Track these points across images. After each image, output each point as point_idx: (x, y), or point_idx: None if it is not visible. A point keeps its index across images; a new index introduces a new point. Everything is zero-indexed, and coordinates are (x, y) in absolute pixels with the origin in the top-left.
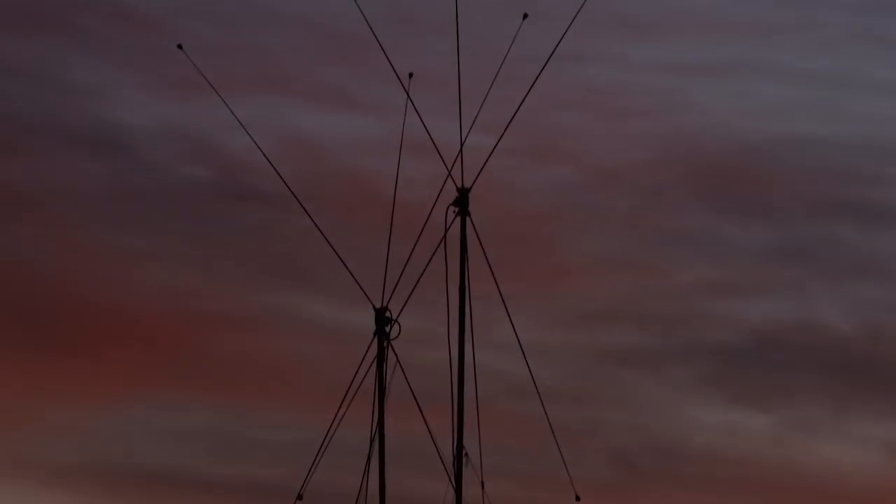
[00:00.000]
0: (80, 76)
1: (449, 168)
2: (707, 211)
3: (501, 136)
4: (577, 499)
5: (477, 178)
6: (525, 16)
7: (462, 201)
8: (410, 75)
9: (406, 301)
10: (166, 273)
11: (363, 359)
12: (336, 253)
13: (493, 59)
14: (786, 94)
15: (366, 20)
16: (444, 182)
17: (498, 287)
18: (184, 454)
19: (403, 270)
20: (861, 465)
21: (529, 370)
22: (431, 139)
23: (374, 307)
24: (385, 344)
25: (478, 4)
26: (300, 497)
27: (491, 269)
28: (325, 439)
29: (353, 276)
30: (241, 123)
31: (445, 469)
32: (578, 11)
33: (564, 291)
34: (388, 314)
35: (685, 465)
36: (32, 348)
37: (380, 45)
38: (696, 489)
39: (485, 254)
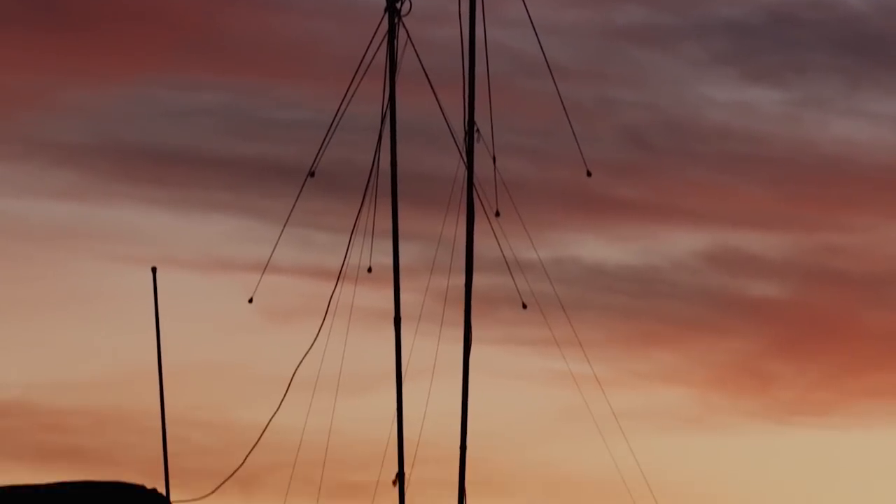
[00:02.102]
0: None
1: None
2: None
3: None
4: (589, 174)
5: None
6: None
7: None
8: None
9: None
10: None
11: (374, 35)
12: None
13: None
14: None
15: None
16: None
17: None
18: (196, 133)
19: None
20: (873, 142)
21: (541, 48)
22: None
23: None
24: (396, 20)
25: None
26: (312, 174)
27: None
28: (336, 116)
29: None
30: None
31: (457, 145)
32: None
33: None
34: None
35: (698, 142)
36: (43, 29)
37: None
38: (708, 167)
39: None
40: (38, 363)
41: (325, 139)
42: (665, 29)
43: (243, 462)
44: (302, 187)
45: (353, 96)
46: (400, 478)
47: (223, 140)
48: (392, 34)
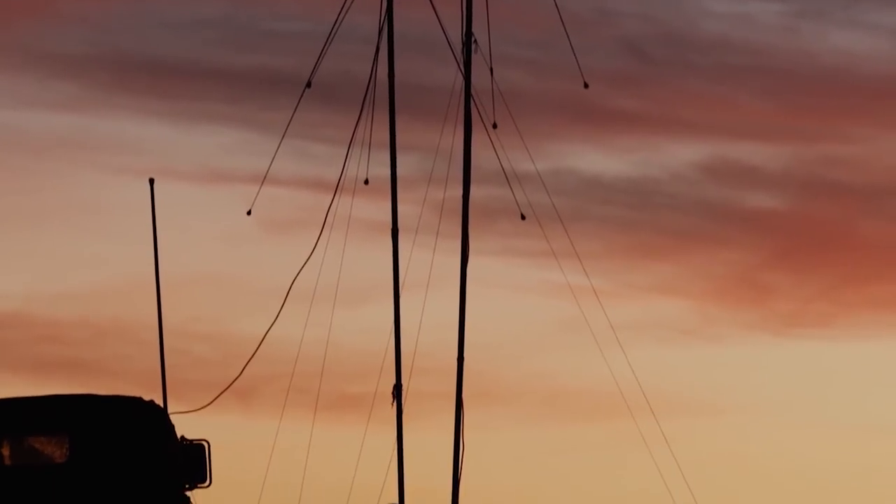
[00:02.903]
0: None
1: None
2: None
3: None
4: (586, 86)
5: None
6: None
7: None
8: None
9: None
10: None
11: None
12: None
13: None
14: None
15: None
16: None
17: None
18: (195, 45)
19: None
20: (872, 52)
21: None
22: None
23: None
24: None
25: None
26: (309, 85)
27: None
28: (334, 27)
29: None
30: None
31: (454, 56)
32: None
33: None
34: None
35: (696, 53)
36: None
37: None
38: (707, 78)
39: None
40: (37, 275)
41: (322, 50)
42: None
43: (240, 373)
44: (300, 99)
45: (350, 7)
46: (397, 389)
47: (222, 51)
48: None
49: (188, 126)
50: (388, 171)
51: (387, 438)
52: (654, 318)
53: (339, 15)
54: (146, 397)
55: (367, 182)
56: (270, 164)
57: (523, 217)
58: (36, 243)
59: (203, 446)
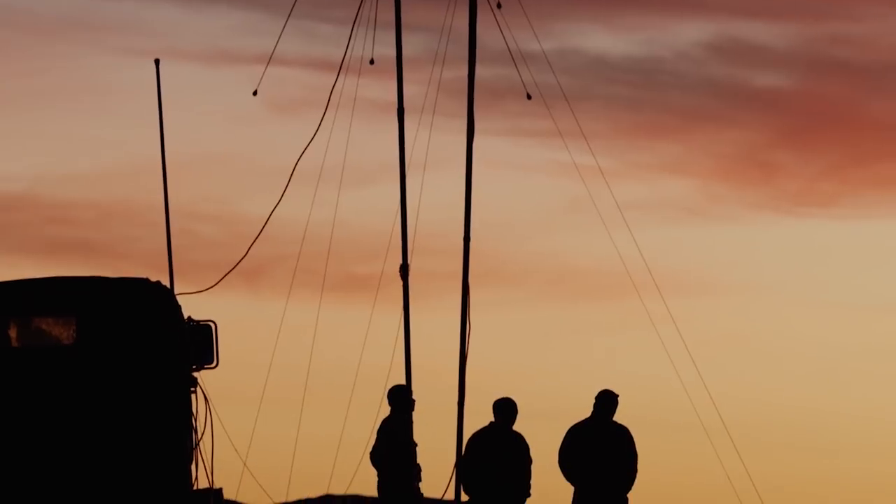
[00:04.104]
0: None
1: None
2: None
3: None
4: None
5: None
6: None
7: None
8: None
9: None
10: None
11: None
12: None
13: None
14: None
15: None
16: None
17: None
18: None
19: None
20: None
21: None
22: None
23: None
24: None
25: None
26: None
27: None
28: None
29: None
30: None
31: None
32: None
33: None
34: None
35: None
36: None
37: None
38: None
39: None
40: (44, 156)
41: None
42: None
43: (246, 254)
44: None
45: None
46: (404, 269)
47: None
48: None
49: (194, 7)
50: (393, 51)
51: (393, 319)
52: (661, 198)
53: None
54: (153, 278)
55: (372, 62)
56: (276, 44)
57: (529, 97)
58: (43, 125)
59: (210, 327)
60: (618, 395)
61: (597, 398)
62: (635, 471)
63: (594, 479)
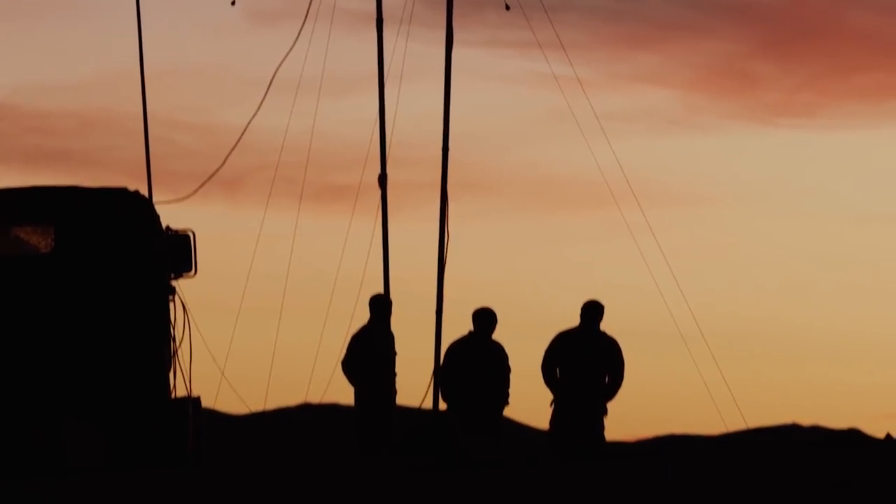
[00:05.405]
0: None
1: None
2: None
3: None
4: None
5: None
6: None
7: None
8: None
9: None
10: None
11: None
12: None
13: None
14: None
15: None
16: None
17: None
18: None
19: None
20: None
21: None
22: None
23: None
24: None
25: None
26: None
27: None
28: None
29: None
30: None
31: None
32: None
33: None
34: None
35: None
36: None
37: None
38: None
39: None
40: (22, 65)
41: None
42: None
43: (223, 163)
44: None
45: None
46: (382, 179)
47: None
48: None
49: None
50: None
51: (371, 228)
52: (640, 108)
53: None
54: (131, 187)
55: None
56: None
57: (508, 7)
58: (21, 35)
59: (188, 236)
60: (604, 306)
61: (583, 308)
62: (621, 381)
63: (577, 386)
